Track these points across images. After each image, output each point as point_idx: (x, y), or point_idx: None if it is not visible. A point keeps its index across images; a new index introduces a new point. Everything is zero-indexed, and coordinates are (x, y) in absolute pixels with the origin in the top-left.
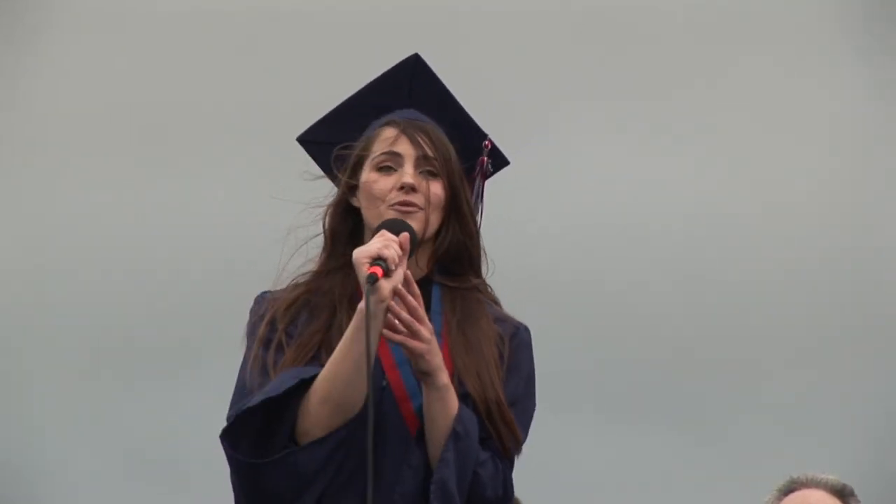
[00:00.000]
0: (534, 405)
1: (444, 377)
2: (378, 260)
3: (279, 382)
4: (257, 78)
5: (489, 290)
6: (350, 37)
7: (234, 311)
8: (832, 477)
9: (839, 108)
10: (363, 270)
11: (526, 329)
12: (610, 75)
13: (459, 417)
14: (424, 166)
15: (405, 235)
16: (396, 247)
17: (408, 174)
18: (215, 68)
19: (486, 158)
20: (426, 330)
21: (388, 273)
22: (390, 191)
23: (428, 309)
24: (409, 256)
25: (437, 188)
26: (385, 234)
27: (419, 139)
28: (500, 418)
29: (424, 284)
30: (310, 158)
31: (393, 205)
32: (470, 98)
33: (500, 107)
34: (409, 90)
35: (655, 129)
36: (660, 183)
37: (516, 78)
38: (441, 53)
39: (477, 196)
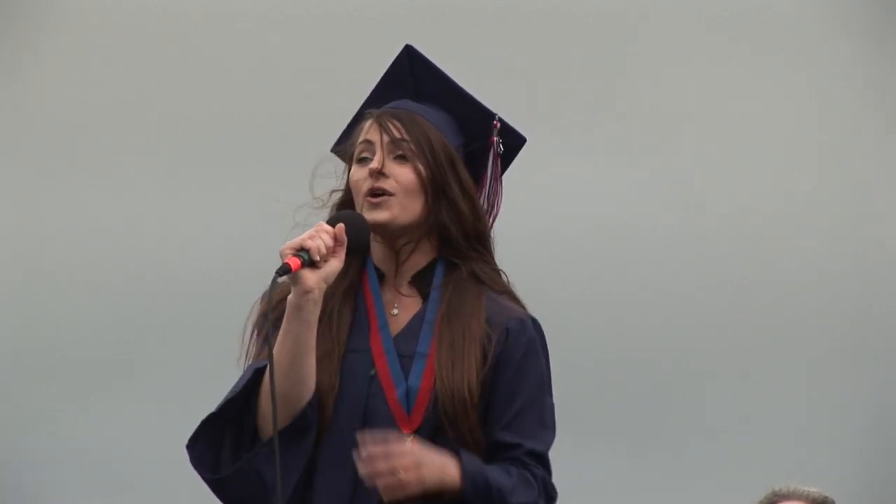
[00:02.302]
0: (543, 403)
1: (452, 474)
2: (300, 251)
3: (239, 380)
4: (247, 84)
5: (502, 276)
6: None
7: (171, 324)
8: (814, 489)
9: (833, 110)
10: (282, 261)
11: (531, 323)
12: (600, 71)
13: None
14: (395, 151)
15: (340, 226)
16: (327, 238)
17: (376, 160)
18: (205, 74)
19: (495, 138)
20: (410, 471)
21: (311, 264)
22: (365, 180)
23: (427, 296)
24: (360, 246)
25: (405, 172)
26: (319, 225)
27: (389, 124)
28: (464, 415)
29: (427, 271)
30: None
31: (365, 193)
32: None
33: None
34: (414, 84)
35: (644, 132)
36: (646, 190)
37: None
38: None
39: (490, 177)
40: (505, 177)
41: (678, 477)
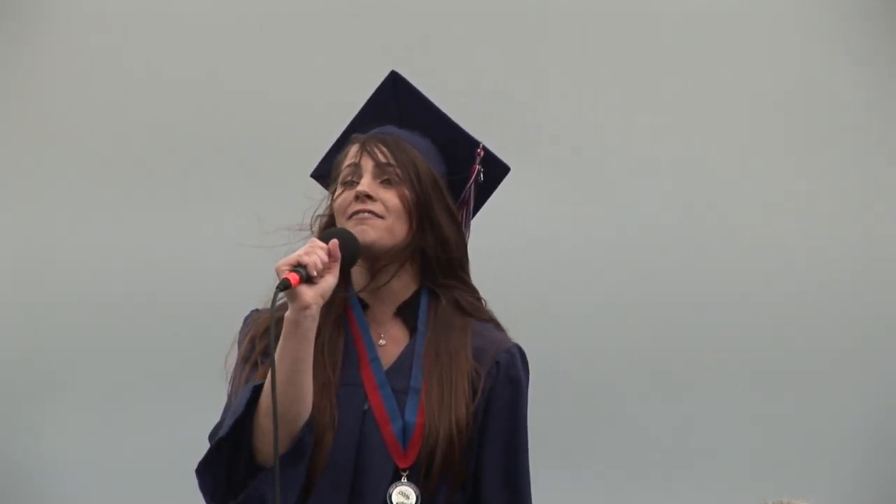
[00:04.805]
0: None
1: None
2: (297, 267)
3: (238, 401)
4: (240, 99)
5: (484, 304)
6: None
7: (167, 333)
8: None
9: (829, 112)
10: (280, 278)
11: (518, 354)
12: (591, 67)
13: None
14: (381, 175)
15: (334, 242)
16: (322, 253)
17: (363, 183)
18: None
19: (477, 166)
20: None
21: (308, 279)
22: (349, 203)
23: (415, 330)
24: (351, 264)
25: (391, 196)
26: (312, 242)
27: (375, 149)
28: (450, 451)
29: (412, 302)
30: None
31: (350, 216)
32: None
33: None
34: (398, 110)
35: (640, 132)
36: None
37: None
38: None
39: (465, 203)
40: None
41: (678, 477)
